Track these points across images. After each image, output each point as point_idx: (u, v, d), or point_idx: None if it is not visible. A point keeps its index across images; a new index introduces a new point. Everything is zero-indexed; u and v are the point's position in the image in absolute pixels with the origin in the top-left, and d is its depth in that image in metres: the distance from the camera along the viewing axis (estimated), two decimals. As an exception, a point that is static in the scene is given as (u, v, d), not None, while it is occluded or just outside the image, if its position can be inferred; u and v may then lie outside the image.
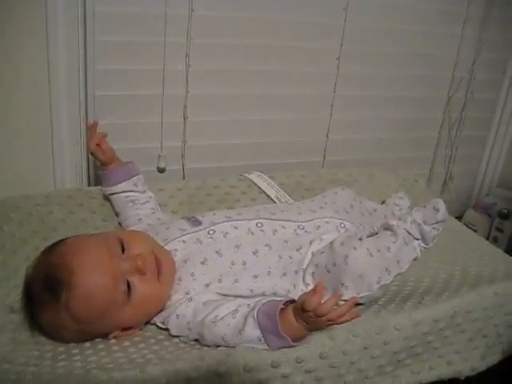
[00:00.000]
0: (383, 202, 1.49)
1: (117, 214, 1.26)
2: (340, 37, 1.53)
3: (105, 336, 0.95)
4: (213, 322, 0.92)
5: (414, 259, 1.20)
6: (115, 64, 1.30)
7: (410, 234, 1.22)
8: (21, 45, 1.20)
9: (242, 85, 1.47)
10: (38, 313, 0.94)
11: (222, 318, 0.93)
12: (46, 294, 0.91)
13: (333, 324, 0.88)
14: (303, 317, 0.87)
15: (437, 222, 1.24)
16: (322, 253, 1.11)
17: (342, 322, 0.88)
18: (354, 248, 1.06)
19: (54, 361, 0.87)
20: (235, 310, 0.94)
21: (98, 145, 1.22)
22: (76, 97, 1.30)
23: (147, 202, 1.25)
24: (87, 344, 0.93)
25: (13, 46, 1.20)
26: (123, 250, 0.97)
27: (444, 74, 1.75)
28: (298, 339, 0.89)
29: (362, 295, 1.05)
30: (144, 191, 1.26)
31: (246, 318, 0.90)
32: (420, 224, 1.23)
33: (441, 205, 1.24)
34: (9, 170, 1.29)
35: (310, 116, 1.60)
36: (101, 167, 1.26)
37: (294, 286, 1.10)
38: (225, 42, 1.39)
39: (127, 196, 1.24)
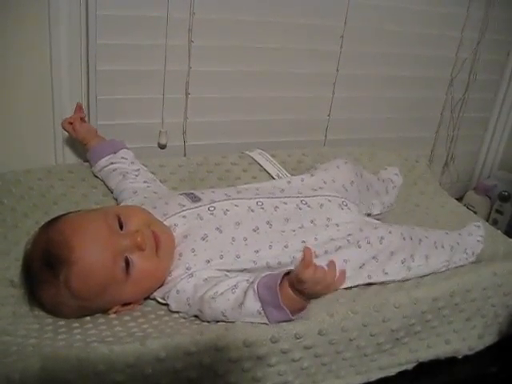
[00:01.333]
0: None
1: (111, 191, 1.25)
2: (344, 14, 1.51)
3: (105, 311, 0.96)
4: (212, 297, 0.93)
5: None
6: (117, 39, 1.29)
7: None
8: (22, 21, 1.19)
9: (245, 61, 1.45)
10: (38, 290, 0.94)
11: (221, 293, 0.93)
12: (45, 270, 0.91)
13: (329, 292, 0.90)
14: (300, 287, 0.87)
15: (482, 236, 1.29)
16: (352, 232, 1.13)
17: (338, 287, 0.92)
18: (390, 232, 1.12)
19: (55, 333, 0.88)
20: (235, 286, 0.94)
21: (71, 123, 1.26)
22: (78, 71, 1.29)
23: (138, 172, 1.25)
24: (87, 318, 0.94)
25: (14, 31, 1.20)
26: (121, 226, 0.96)
27: (447, 54, 1.73)
28: (296, 311, 0.90)
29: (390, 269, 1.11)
30: (133, 163, 1.26)
31: (245, 292, 0.91)
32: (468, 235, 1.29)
33: (480, 224, 1.32)
34: (10, 145, 1.29)
35: (312, 94, 1.59)
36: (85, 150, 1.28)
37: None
38: (228, 18, 1.38)
39: (115, 169, 1.23)
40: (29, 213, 1.13)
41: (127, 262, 0.93)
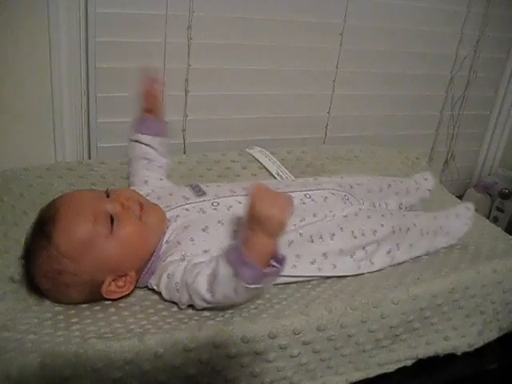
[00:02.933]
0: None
1: (128, 163, 1.25)
2: (343, 11, 1.51)
3: (99, 284, 0.95)
4: (193, 280, 0.92)
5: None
6: (116, 36, 1.30)
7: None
8: (21, 15, 1.19)
9: (245, 59, 1.46)
10: (33, 262, 0.95)
11: (199, 272, 0.92)
12: (35, 235, 0.95)
13: (283, 214, 0.88)
14: (252, 215, 0.87)
15: (469, 219, 1.26)
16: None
17: (290, 204, 0.90)
18: (382, 225, 1.14)
19: (54, 329, 0.87)
20: (209, 260, 0.94)
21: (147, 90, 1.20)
22: (77, 69, 1.29)
23: (161, 166, 1.23)
24: (87, 313, 0.94)
25: (14, 28, 1.20)
26: (109, 196, 1.01)
27: (448, 51, 1.74)
28: (266, 256, 0.88)
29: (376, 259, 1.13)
30: (163, 155, 1.24)
31: (218, 262, 0.90)
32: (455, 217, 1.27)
33: (471, 206, 1.29)
34: (9, 143, 1.29)
35: (312, 92, 1.59)
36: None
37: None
38: (227, 16, 1.38)
39: (147, 152, 1.22)
40: (28, 210, 1.13)
41: (111, 219, 0.95)
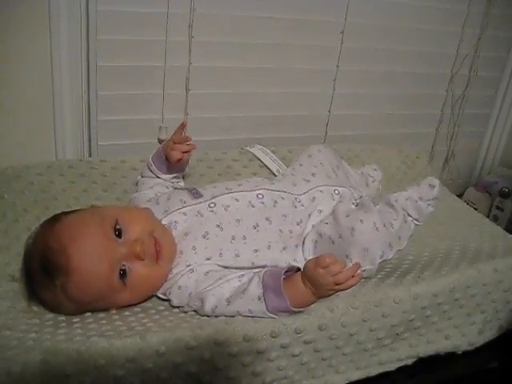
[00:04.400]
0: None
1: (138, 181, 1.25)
2: (344, 10, 1.51)
3: (104, 310, 0.96)
4: (218, 285, 0.94)
5: (410, 236, 1.24)
6: (117, 34, 1.29)
7: (404, 210, 1.25)
8: (22, 13, 1.19)
9: (245, 57, 1.45)
10: (37, 290, 0.94)
11: (228, 280, 0.95)
12: (43, 276, 0.91)
13: (339, 289, 0.91)
14: (313, 276, 0.89)
15: (432, 199, 1.26)
16: (327, 223, 1.12)
17: (349, 287, 0.91)
18: (361, 221, 1.07)
19: (55, 328, 0.87)
20: (242, 275, 0.96)
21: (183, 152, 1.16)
22: (78, 67, 1.29)
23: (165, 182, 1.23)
24: (88, 313, 0.94)
25: (15, 26, 1.20)
26: (121, 233, 0.95)
27: (448, 50, 1.73)
28: (298, 304, 0.90)
29: (363, 269, 1.04)
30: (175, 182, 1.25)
31: (251, 280, 0.93)
32: (416, 200, 1.26)
33: (436, 182, 1.27)
34: (10, 140, 1.28)
35: (312, 90, 1.59)
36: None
37: (295, 259, 1.10)
38: (228, 14, 1.38)
39: (159, 183, 1.22)
40: (29, 208, 1.13)
41: (124, 271, 0.92)
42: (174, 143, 1.16)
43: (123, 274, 0.92)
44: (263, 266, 1.02)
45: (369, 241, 1.06)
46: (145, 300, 1.01)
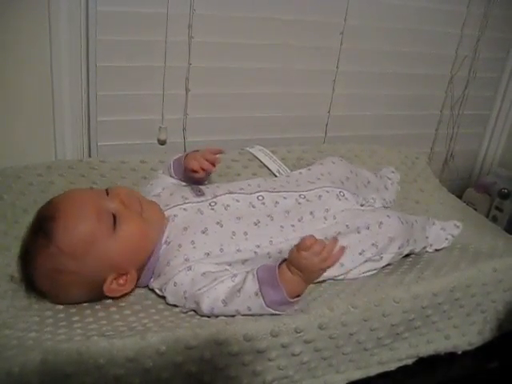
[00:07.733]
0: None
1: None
2: (344, 11, 1.51)
3: (100, 282, 0.96)
4: (212, 287, 0.94)
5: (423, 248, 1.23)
6: (117, 35, 1.29)
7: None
8: (21, 13, 1.19)
9: (245, 58, 1.45)
10: (33, 261, 0.95)
11: (221, 281, 0.95)
12: (35, 234, 0.95)
13: (325, 266, 0.94)
14: (297, 260, 0.92)
15: (452, 236, 1.27)
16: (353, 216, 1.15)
17: (334, 263, 0.96)
18: (388, 216, 1.14)
19: (55, 327, 0.87)
20: (234, 275, 0.97)
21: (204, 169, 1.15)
22: (78, 67, 1.28)
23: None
24: (88, 311, 0.94)
25: (14, 26, 1.20)
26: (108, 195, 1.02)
27: (447, 51, 1.73)
28: (293, 293, 0.92)
29: (386, 255, 1.13)
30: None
31: (245, 278, 0.94)
32: (440, 228, 1.27)
33: (460, 224, 1.29)
34: (10, 141, 1.28)
35: (312, 91, 1.59)
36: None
37: None
38: (228, 14, 1.38)
39: (172, 182, 1.23)
40: (29, 208, 1.13)
41: (114, 218, 0.96)
42: (199, 155, 1.17)
43: (114, 220, 0.96)
44: (267, 254, 1.05)
45: (394, 232, 1.13)
46: (143, 287, 1.04)
